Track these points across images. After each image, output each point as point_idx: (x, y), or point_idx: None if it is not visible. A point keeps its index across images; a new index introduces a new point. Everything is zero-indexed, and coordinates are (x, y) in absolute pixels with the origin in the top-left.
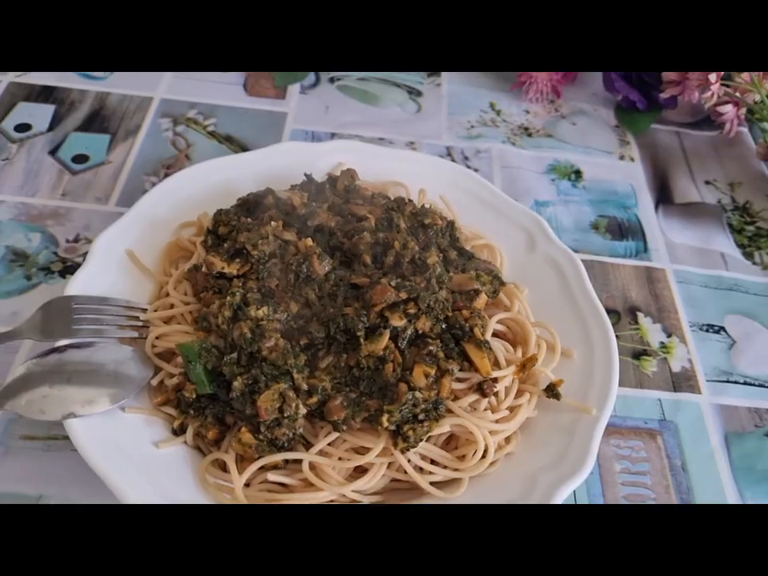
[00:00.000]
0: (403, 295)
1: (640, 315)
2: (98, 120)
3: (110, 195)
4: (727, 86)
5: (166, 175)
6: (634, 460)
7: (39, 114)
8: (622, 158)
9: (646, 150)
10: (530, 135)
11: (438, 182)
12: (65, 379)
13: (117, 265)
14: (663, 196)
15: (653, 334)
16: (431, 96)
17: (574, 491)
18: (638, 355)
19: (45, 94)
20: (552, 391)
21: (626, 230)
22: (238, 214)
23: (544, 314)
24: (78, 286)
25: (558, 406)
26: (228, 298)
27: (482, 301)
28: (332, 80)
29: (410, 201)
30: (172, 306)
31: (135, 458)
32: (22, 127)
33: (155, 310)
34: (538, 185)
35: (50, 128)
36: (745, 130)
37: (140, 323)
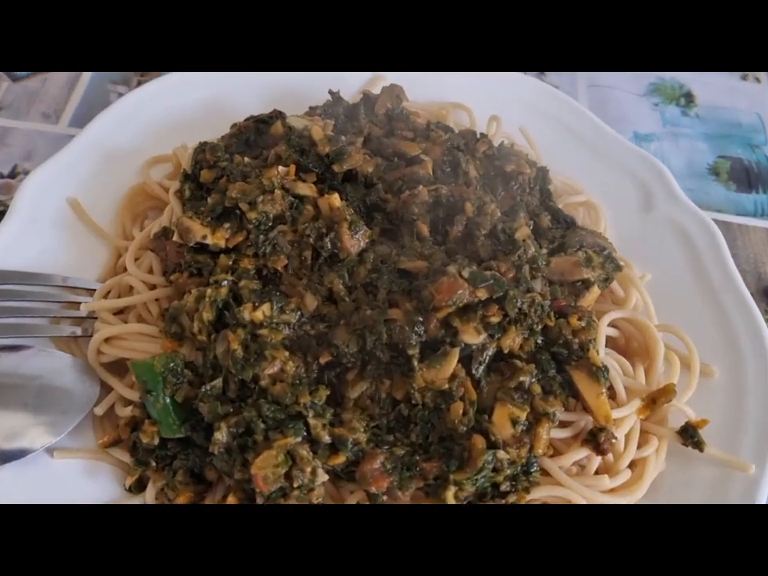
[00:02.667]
0: (482, 294)
1: None
2: None
3: (62, 111)
4: None
5: (140, 84)
6: None
7: None
8: (744, 77)
9: None
10: None
11: (514, 106)
12: None
13: (53, 221)
14: None
15: None
16: None
17: None
18: None
19: None
20: (691, 436)
21: (755, 178)
22: (230, 150)
23: (668, 309)
24: None
25: (697, 455)
26: (209, 290)
27: (592, 296)
28: None
29: (484, 136)
30: (131, 290)
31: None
32: None
33: (106, 295)
34: (637, 111)
35: None
36: None
37: (83, 314)
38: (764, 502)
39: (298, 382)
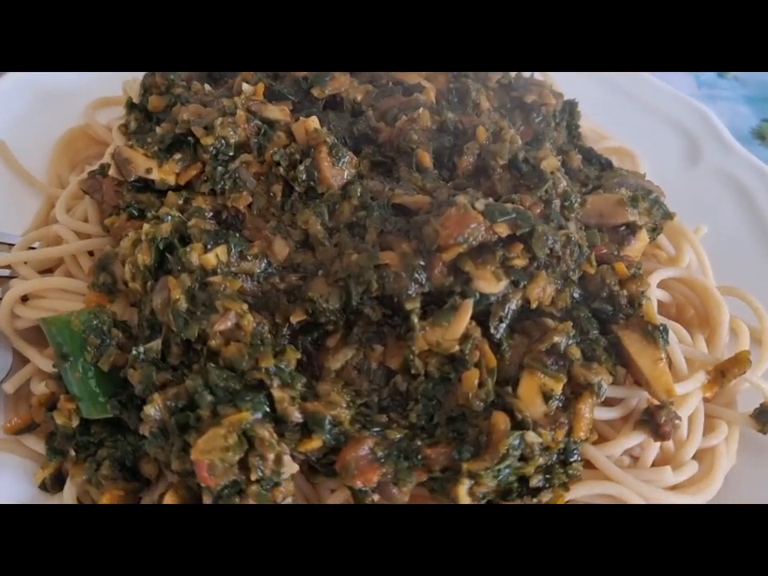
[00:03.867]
0: (502, 230)
1: None
2: None
3: None
4: None
5: None
6: None
7: None
8: None
9: None
10: None
11: None
12: None
13: None
14: None
15: None
16: None
17: None
18: None
19: None
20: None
21: None
22: (189, 80)
23: (726, 271)
24: None
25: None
26: (147, 227)
27: (640, 244)
28: None
29: None
30: (61, 243)
31: None
32: None
33: (29, 247)
34: (668, 73)
35: None
36: None
37: (2, 270)
38: None
39: (259, 342)
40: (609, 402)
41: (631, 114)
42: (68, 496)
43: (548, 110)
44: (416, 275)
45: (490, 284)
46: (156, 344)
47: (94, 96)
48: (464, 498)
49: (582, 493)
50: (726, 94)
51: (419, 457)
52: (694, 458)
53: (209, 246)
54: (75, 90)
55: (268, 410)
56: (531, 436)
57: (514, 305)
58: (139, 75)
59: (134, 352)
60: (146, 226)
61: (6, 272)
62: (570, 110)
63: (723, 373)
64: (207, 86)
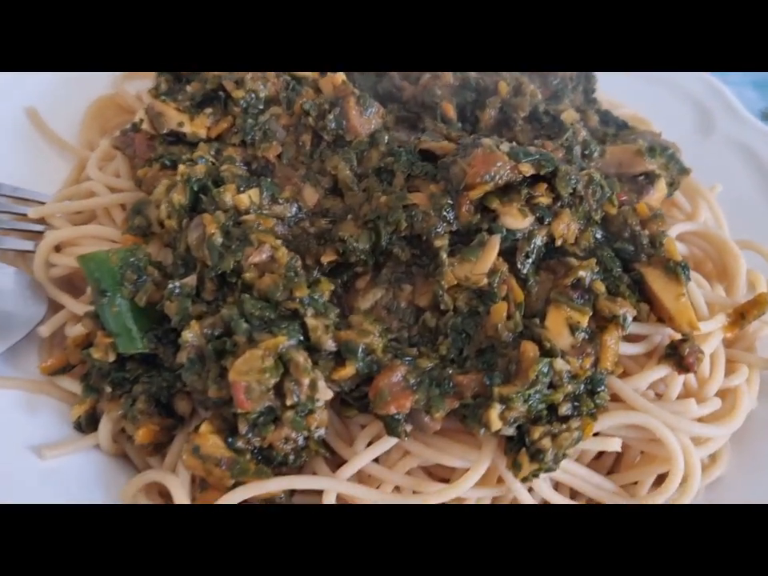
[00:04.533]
0: (526, 169)
1: None
2: None
3: None
4: None
5: None
6: None
7: None
8: None
9: None
10: None
11: None
12: None
13: (6, 130)
14: None
15: None
16: None
17: None
18: None
19: None
20: None
21: None
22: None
23: (740, 232)
24: None
25: None
26: (182, 167)
27: (659, 194)
28: None
29: None
30: (91, 194)
31: None
32: None
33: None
34: None
35: None
36: None
37: (35, 225)
38: None
39: (293, 274)
40: (633, 339)
41: (645, 87)
42: (103, 433)
43: (565, 73)
44: (444, 213)
45: (516, 220)
46: (191, 279)
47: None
48: (496, 423)
49: (609, 423)
50: (733, 78)
51: (450, 384)
52: (718, 395)
53: (241, 189)
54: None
55: (302, 338)
56: (559, 363)
57: (539, 240)
58: None
59: (169, 286)
60: (181, 167)
61: (41, 227)
62: (586, 76)
63: (743, 315)
64: None
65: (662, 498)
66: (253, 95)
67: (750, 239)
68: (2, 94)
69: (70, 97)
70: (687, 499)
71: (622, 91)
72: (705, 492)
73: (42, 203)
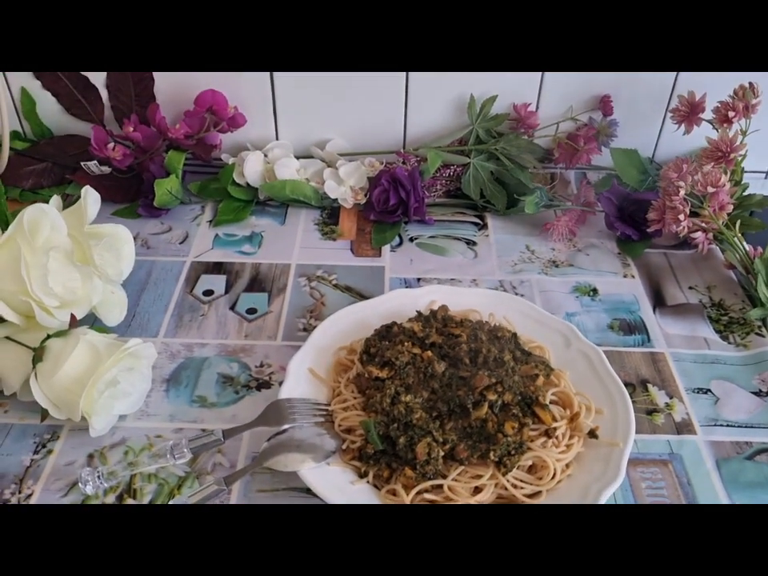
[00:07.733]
0: (493, 380)
1: (649, 386)
2: (257, 282)
3: (277, 334)
4: (696, 214)
5: (311, 317)
6: (655, 479)
7: (217, 282)
8: (625, 276)
9: (642, 268)
10: (557, 266)
11: (500, 307)
12: (294, 448)
13: (304, 378)
14: (658, 301)
15: (659, 397)
16: (483, 244)
17: (615, 499)
18: (650, 412)
19: (217, 268)
20: (592, 434)
21: (633, 328)
22: (378, 339)
23: (582, 388)
24: (285, 392)
25: (597, 444)
26: (387, 390)
27: (540, 381)
28: (411, 239)
29: (486, 322)
30: (345, 401)
31: (341, 489)
32: (208, 292)
33: (336, 404)
34: (567, 302)
35: (226, 291)
36: (714, 246)
37: (327, 413)
38: (627, 458)
39: (427, 420)
40: (533, 429)
41: (540, 328)
42: (370, 477)
43: (506, 338)
44: (469, 397)
45: (492, 397)
46: (396, 425)
47: (336, 347)
48: (492, 458)
49: (529, 456)
50: (595, 308)
51: (478, 447)
52: (566, 446)
53: (405, 395)
54: (329, 346)
55: (433, 438)
56: (509, 439)
57: (500, 402)
58: (353, 338)
59: (390, 428)
60: (387, 390)
61: (327, 413)
62: (514, 336)
63: (572, 419)
64: (385, 342)
65: (547, 481)
66: (402, 362)
67: (582, 391)
68: (300, 364)
69: (321, 360)
70: (556, 481)
71: (530, 331)
72: (566, 480)
73: (327, 405)
